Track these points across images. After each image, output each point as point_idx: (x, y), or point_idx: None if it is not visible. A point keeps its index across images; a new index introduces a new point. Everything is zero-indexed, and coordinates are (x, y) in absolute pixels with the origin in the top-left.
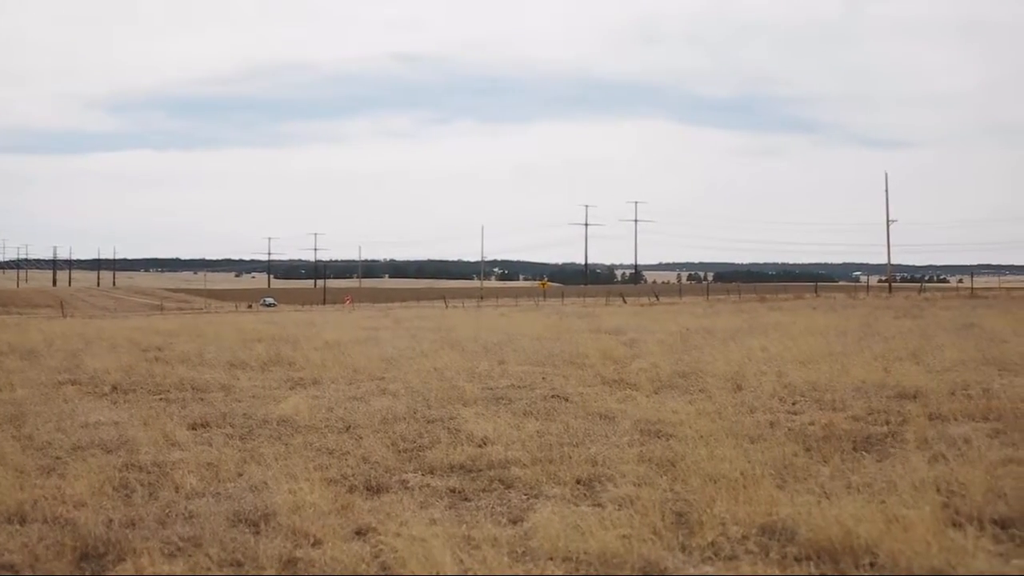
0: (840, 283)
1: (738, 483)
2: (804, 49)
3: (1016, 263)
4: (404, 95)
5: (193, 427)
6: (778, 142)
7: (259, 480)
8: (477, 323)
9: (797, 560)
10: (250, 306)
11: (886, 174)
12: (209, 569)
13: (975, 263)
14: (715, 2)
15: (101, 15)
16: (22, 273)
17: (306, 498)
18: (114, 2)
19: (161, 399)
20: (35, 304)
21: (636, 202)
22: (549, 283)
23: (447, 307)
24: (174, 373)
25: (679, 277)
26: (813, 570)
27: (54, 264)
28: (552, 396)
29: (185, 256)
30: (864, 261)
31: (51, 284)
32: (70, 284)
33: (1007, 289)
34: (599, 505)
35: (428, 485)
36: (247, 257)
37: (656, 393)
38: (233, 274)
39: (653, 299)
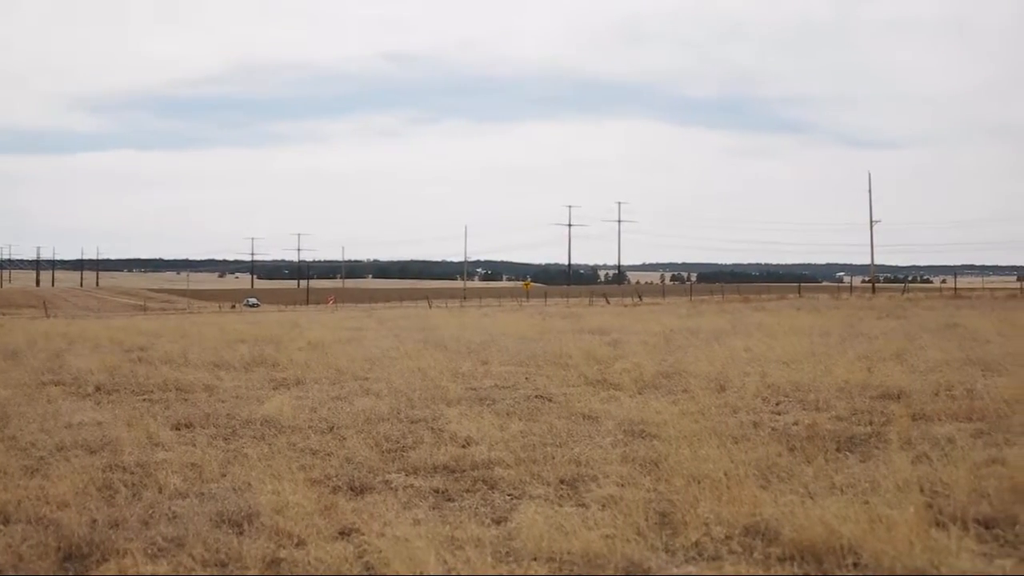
0: (824, 284)
1: (722, 483)
2: (791, 49)
3: (999, 264)
4: (390, 94)
5: (177, 427)
6: (764, 142)
7: (243, 480)
8: (460, 323)
9: (781, 560)
10: (233, 306)
11: (869, 174)
12: (193, 569)
13: (958, 264)
14: (701, 2)
15: (86, 15)
16: (5, 273)
17: (290, 498)
18: (99, 2)
19: (144, 399)
20: (18, 304)
21: (619, 202)
22: (532, 283)
23: (430, 307)
24: (157, 373)
25: (662, 278)
26: (796, 570)
27: (37, 264)
28: (535, 396)
29: (168, 256)
30: (848, 262)
31: (34, 284)
32: (53, 284)
33: (990, 289)
34: (583, 505)
35: (412, 485)
36: (231, 257)
37: (639, 393)
38: (216, 274)
39: (636, 299)
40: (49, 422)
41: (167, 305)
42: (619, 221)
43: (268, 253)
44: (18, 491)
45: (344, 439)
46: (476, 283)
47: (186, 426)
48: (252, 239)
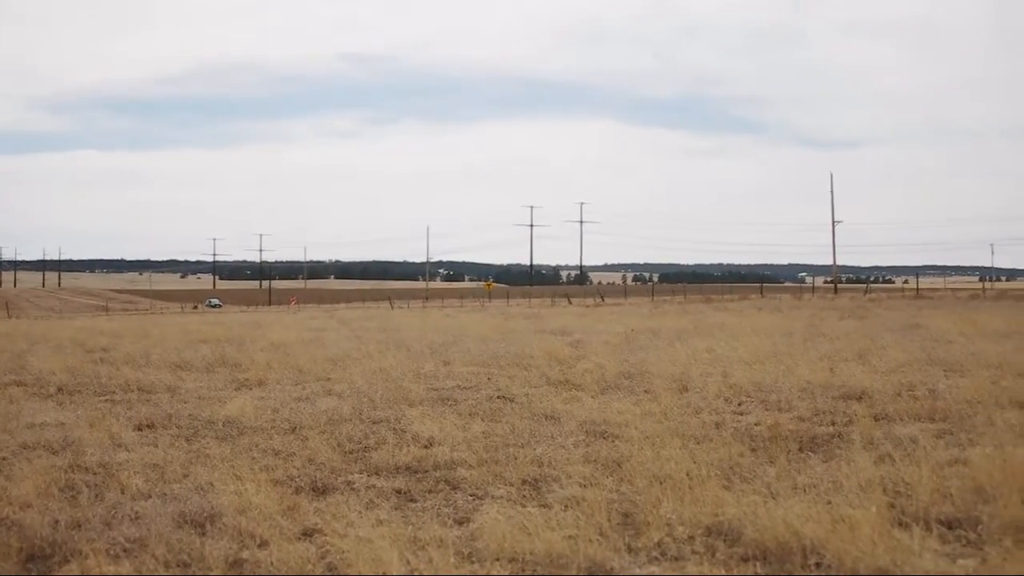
0: (786, 284)
1: (684, 483)
2: (749, 49)
3: (962, 264)
4: (349, 95)
5: (139, 428)
6: (724, 143)
7: (205, 481)
8: (422, 324)
9: (743, 560)
10: (195, 307)
11: (831, 175)
12: (155, 570)
13: (920, 264)
14: (659, 2)
15: (45, 14)
16: None
17: (252, 499)
18: (60, 2)
19: (107, 400)
20: None
21: (581, 203)
22: (494, 284)
23: (392, 308)
24: (120, 374)
25: (624, 278)
26: (759, 570)
27: None
28: (498, 397)
29: (131, 257)
30: (810, 262)
31: None
32: (15, 285)
33: (952, 290)
34: (545, 506)
35: (374, 486)
36: (193, 258)
37: (602, 394)
38: (179, 275)
39: (598, 300)
40: (11, 422)
41: (129, 306)
42: (581, 222)
43: (230, 254)
44: None
45: (306, 440)
46: (438, 283)
47: (148, 427)
48: (214, 240)
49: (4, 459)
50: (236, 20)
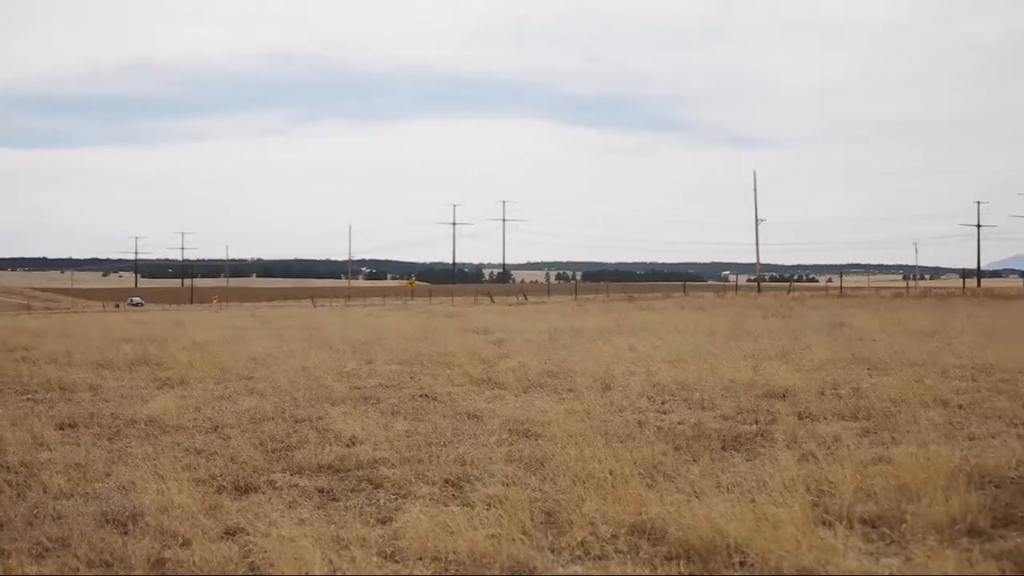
0: (709, 282)
1: (607, 482)
2: (674, 48)
3: (885, 262)
4: (274, 93)
5: (61, 427)
6: (648, 141)
7: (127, 480)
8: (345, 322)
9: (667, 559)
10: (117, 305)
11: (755, 173)
12: (78, 570)
13: (844, 262)
14: (585, 2)
15: None
16: None
17: (174, 498)
18: None
19: (28, 399)
20: None
21: (504, 201)
22: (417, 282)
23: (315, 306)
24: (41, 373)
25: (547, 276)
26: (683, 569)
27: None
28: (420, 395)
29: (52, 255)
30: (733, 260)
31: None
32: None
33: (876, 288)
34: (468, 505)
35: (296, 485)
36: (115, 256)
37: (525, 392)
38: (100, 273)
39: (521, 298)
40: None
41: (51, 304)
42: (504, 220)
43: (152, 252)
44: None
45: (229, 439)
46: (361, 282)
47: (70, 426)
48: (136, 238)
49: None
50: (161, 19)
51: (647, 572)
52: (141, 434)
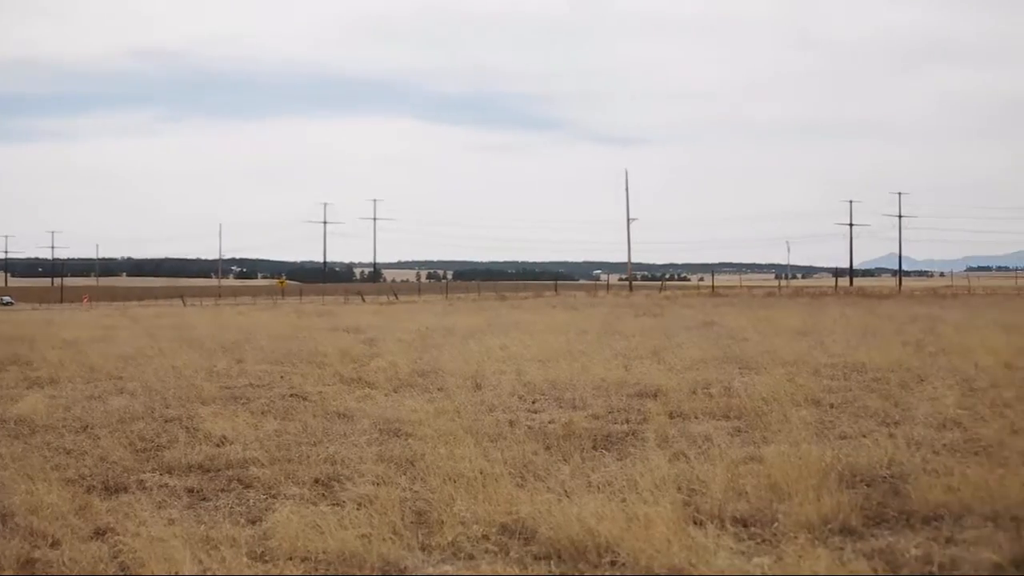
0: (581, 282)
1: (478, 482)
2: (542, 46)
3: (758, 261)
4: (141, 91)
5: None
6: (518, 139)
7: None
8: (215, 322)
9: (537, 559)
10: None
11: (626, 171)
12: None
13: (716, 261)
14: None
15: None
16: None
17: (44, 498)
18: None
19: None
20: None
21: (375, 200)
22: (288, 281)
23: (185, 306)
24: None
25: (418, 275)
26: (554, 569)
27: None
28: (291, 395)
29: None
30: (605, 259)
31: None
32: None
33: (748, 287)
34: (338, 504)
35: (166, 485)
36: None
37: (395, 392)
38: None
39: (392, 298)
40: None
41: None
42: (374, 219)
43: (22, 251)
44: None
45: (98, 438)
46: (231, 281)
47: None
48: (5, 237)
49: None
50: (25, 16)
51: (517, 572)
52: (10, 434)
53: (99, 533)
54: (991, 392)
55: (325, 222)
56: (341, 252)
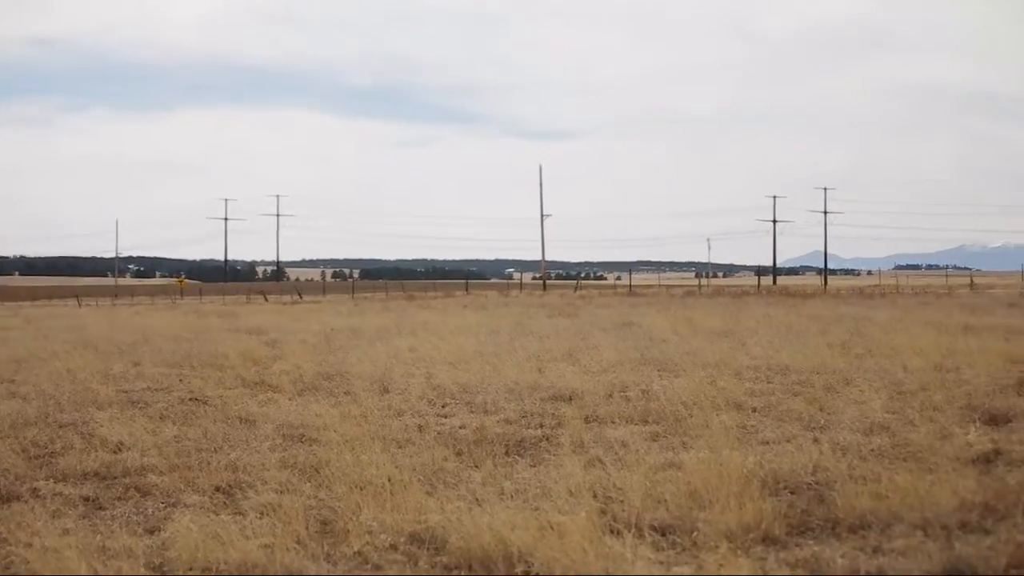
0: (493, 280)
1: (385, 489)
2: (455, 37)
3: (677, 259)
4: (35, 81)
5: None
6: (429, 133)
7: None
8: (111, 322)
9: (447, 569)
10: None
11: (540, 167)
12: None
13: (634, 259)
14: None
15: None
16: None
17: None
18: None
19: None
20: None
21: (278, 195)
22: (187, 280)
23: (80, 306)
24: None
25: (323, 274)
26: None
27: None
28: (190, 399)
29: None
30: (518, 258)
31: None
32: None
33: (667, 287)
34: (240, 513)
35: (61, 493)
36: None
37: (299, 396)
38: None
39: (296, 297)
40: None
41: None
42: (277, 215)
43: None
44: None
45: None
46: (128, 280)
47: None
48: None
49: None
50: None
51: None
52: None
53: None
54: (920, 395)
55: (226, 219)
56: (244, 250)
